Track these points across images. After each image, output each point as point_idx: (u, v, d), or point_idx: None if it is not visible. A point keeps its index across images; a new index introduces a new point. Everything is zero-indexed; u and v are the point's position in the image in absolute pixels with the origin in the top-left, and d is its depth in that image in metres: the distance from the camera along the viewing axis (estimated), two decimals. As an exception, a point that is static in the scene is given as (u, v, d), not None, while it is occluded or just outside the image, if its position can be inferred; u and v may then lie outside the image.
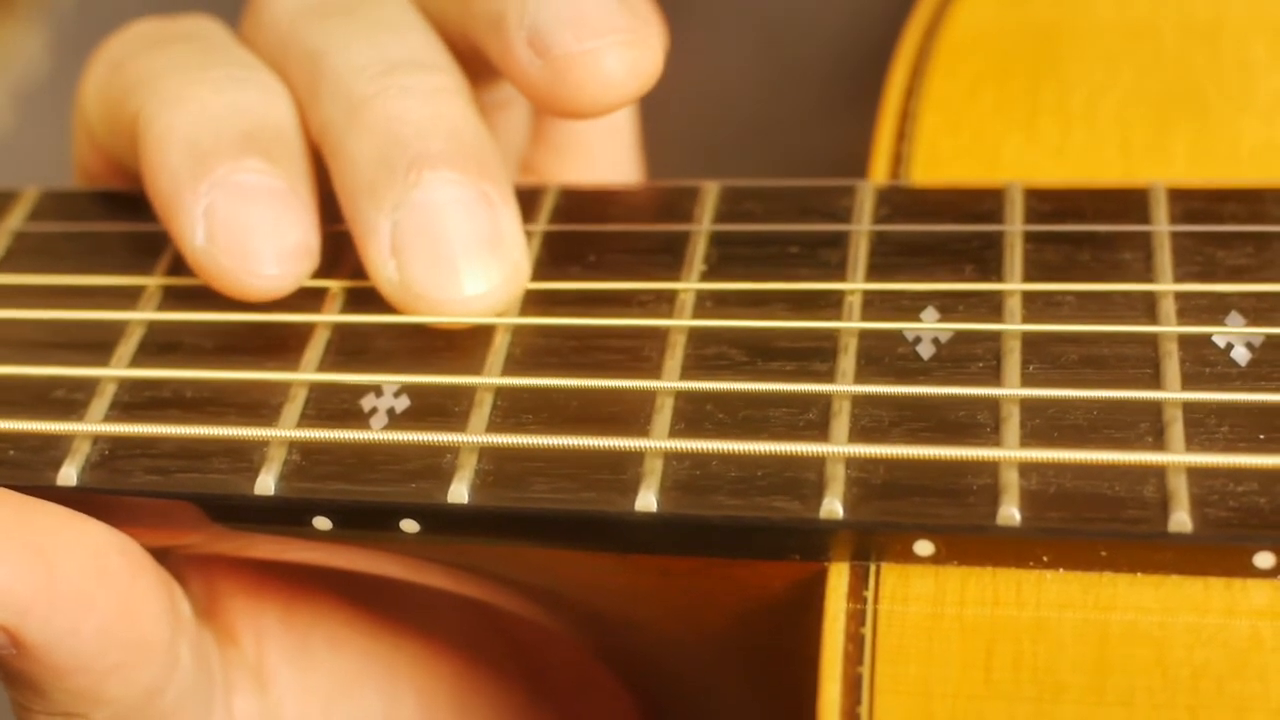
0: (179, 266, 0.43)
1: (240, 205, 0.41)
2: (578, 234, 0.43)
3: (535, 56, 0.40)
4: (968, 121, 0.47)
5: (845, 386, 0.38)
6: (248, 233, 0.41)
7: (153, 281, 0.43)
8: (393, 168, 0.40)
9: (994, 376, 0.38)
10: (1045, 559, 0.36)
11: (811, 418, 0.38)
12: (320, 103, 0.42)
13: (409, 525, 0.38)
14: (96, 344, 0.42)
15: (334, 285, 0.42)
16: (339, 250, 0.43)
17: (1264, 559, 0.35)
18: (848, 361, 0.39)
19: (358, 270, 0.42)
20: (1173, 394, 0.37)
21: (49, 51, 0.87)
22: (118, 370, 0.41)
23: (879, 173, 0.46)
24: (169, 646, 0.40)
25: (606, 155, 0.50)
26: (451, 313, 0.40)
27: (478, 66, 0.43)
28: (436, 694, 0.48)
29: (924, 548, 0.36)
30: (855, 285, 0.40)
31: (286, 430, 0.39)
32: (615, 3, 0.40)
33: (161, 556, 0.42)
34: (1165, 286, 0.39)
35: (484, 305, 0.40)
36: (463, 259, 0.40)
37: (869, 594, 0.37)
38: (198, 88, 0.42)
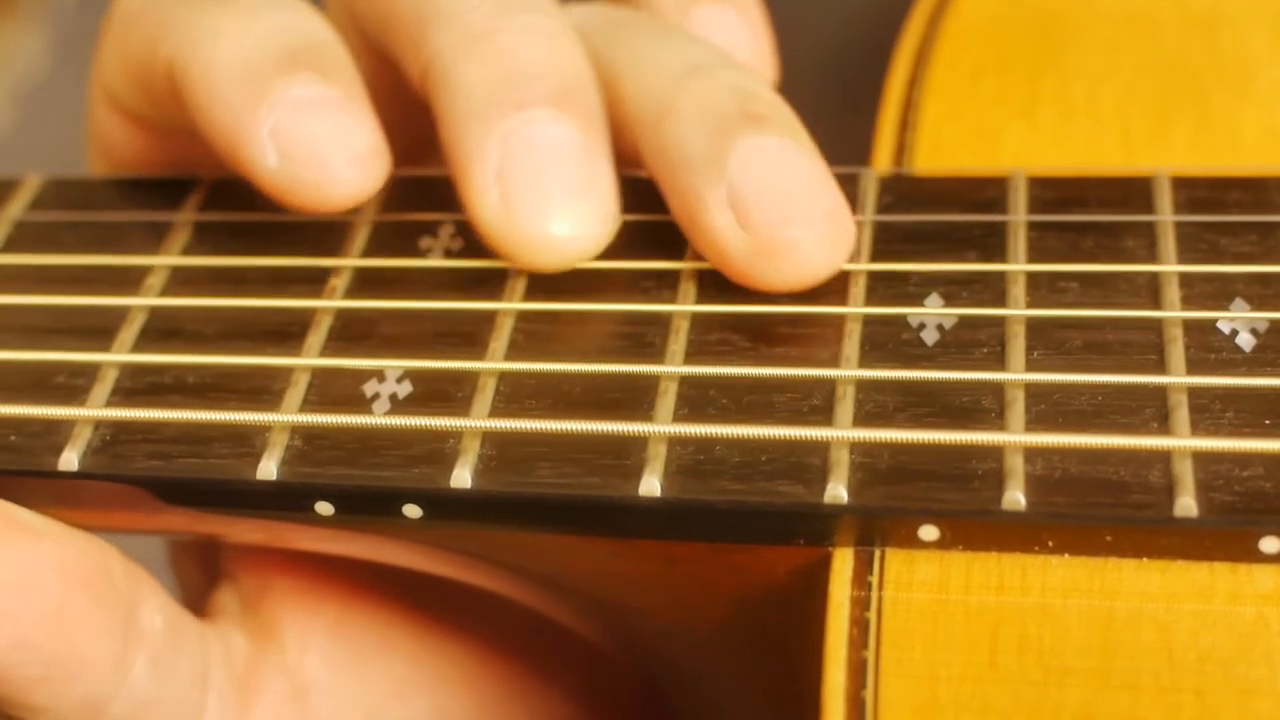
0: (181, 252, 0.43)
1: (305, 118, 0.40)
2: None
3: (739, 227, 0.39)
4: (970, 111, 0.47)
5: (850, 371, 0.38)
6: (318, 143, 0.40)
7: (155, 264, 0.43)
8: (507, 98, 0.40)
9: (998, 362, 0.38)
10: (1050, 544, 0.36)
11: (816, 403, 0.38)
12: (430, 32, 0.41)
13: (411, 510, 0.38)
14: (98, 330, 0.42)
15: (337, 269, 0.42)
16: (341, 237, 0.43)
17: (1270, 544, 0.35)
18: (851, 347, 0.39)
19: (361, 254, 0.42)
20: (1178, 378, 0.37)
21: (49, 51, 0.87)
22: (119, 355, 0.41)
23: (882, 161, 0.46)
24: (114, 662, 0.40)
25: None
26: (540, 249, 0.40)
27: None
28: (484, 704, 0.48)
29: (929, 533, 0.36)
30: (859, 266, 0.40)
31: (288, 415, 0.39)
32: (820, 178, 0.40)
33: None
34: (1169, 268, 0.39)
35: (572, 248, 0.40)
36: (561, 198, 0.40)
37: (873, 579, 0.36)
38: (231, 17, 0.42)
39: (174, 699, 0.42)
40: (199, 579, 0.50)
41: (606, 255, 0.42)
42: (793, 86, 0.70)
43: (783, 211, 0.39)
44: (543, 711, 0.49)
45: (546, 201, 0.40)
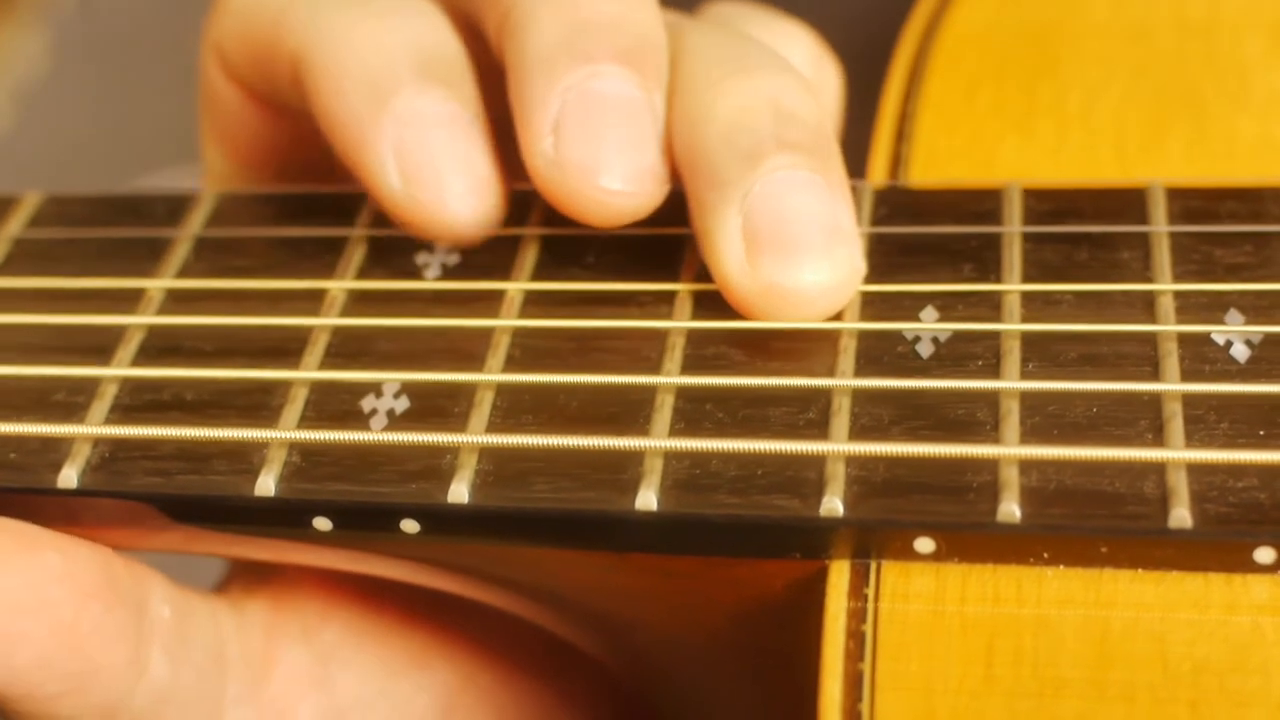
0: (180, 268, 0.44)
1: (430, 138, 0.40)
2: (577, 236, 0.43)
3: (747, 262, 0.39)
4: (965, 122, 0.47)
5: (845, 381, 0.38)
6: (439, 167, 0.41)
7: (153, 285, 0.43)
8: (577, 49, 0.39)
9: (993, 375, 0.38)
10: (1046, 556, 0.36)
11: (811, 416, 0.38)
12: None
13: (409, 526, 0.38)
14: (96, 347, 0.42)
15: (334, 287, 0.43)
16: (339, 252, 0.43)
17: (1264, 554, 0.35)
18: (847, 361, 0.39)
19: (358, 269, 0.42)
20: (1172, 385, 0.37)
21: (49, 52, 0.87)
22: (118, 371, 0.41)
23: (878, 173, 0.46)
24: (130, 663, 0.40)
25: None
26: (587, 202, 0.40)
27: None
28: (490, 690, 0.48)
29: (924, 545, 0.36)
30: None
31: (286, 431, 0.39)
32: (839, 221, 0.39)
33: None
34: (1164, 286, 0.39)
35: (620, 203, 0.40)
36: (614, 153, 0.39)
37: (870, 591, 0.37)
38: (362, 22, 0.41)
39: (191, 680, 0.42)
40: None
41: (604, 270, 0.42)
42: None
43: (794, 255, 0.39)
44: (532, 717, 0.49)
45: (598, 154, 0.39)
